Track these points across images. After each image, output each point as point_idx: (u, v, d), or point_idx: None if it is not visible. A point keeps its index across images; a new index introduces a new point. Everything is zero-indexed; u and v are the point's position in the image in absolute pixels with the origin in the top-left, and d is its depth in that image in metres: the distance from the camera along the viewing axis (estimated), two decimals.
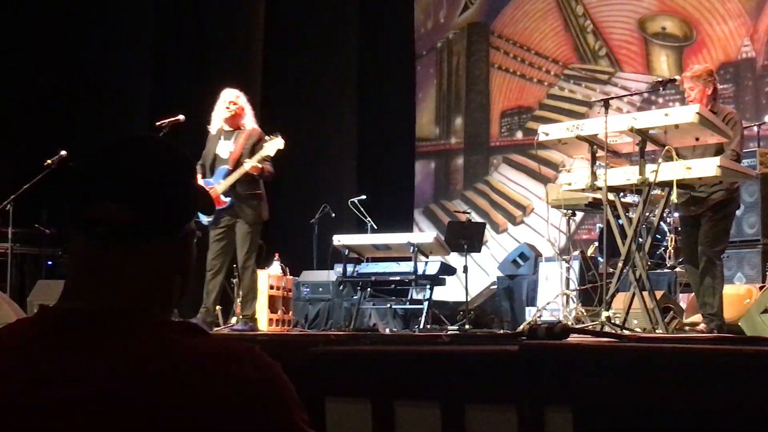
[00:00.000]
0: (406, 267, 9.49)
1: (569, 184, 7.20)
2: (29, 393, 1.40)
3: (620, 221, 7.04)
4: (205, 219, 7.42)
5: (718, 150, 6.77)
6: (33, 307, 9.14)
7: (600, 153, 6.77)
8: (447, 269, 9.70)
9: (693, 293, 7.53)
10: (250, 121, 7.98)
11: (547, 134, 7.07)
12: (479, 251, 11.09)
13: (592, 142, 6.83)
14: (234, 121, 7.90)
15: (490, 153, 14.90)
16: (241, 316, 8.10)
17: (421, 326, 9.27)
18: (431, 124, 15.55)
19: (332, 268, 10.72)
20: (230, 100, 7.90)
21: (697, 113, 6.28)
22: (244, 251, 7.82)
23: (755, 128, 10.14)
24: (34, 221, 10.92)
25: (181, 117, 8.04)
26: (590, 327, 6.52)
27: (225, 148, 7.87)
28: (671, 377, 2.88)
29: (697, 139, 6.63)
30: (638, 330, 6.93)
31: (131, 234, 1.51)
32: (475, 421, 3.18)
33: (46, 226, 11.07)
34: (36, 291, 9.73)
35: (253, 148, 7.82)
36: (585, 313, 7.91)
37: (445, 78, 15.49)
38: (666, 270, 9.42)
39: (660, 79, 7.45)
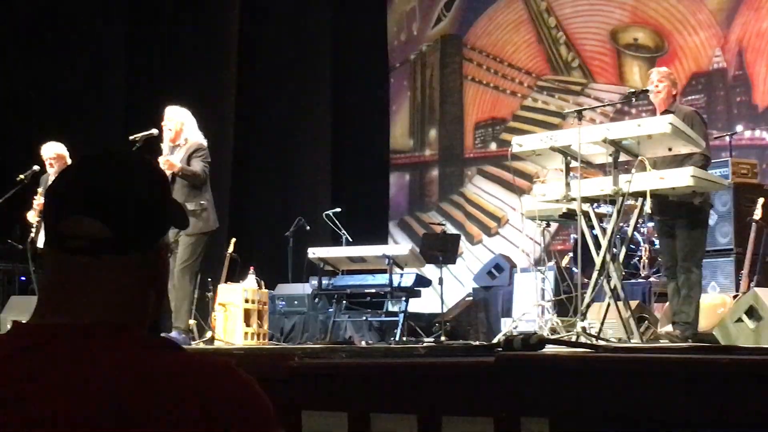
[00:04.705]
0: (381, 279, 9.49)
1: (543, 195, 7.22)
2: (3, 411, 1.39)
3: (594, 232, 7.06)
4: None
5: (688, 155, 6.82)
6: (6, 323, 9.09)
7: (574, 164, 6.80)
8: (422, 281, 9.70)
9: (667, 303, 7.56)
10: (191, 135, 7.99)
11: (521, 145, 7.09)
12: (454, 263, 11.11)
13: (565, 153, 6.85)
14: (175, 138, 7.94)
15: (465, 165, 14.92)
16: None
17: (397, 338, 9.26)
18: (405, 137, 15.56)
19: (307, 281, 10.72)
20: (165, 121, 7.96)
21: (670, 123, 6.32)
22: (182, 259, 7.69)
23: (727, 138, 10.19)
24: (6, 237, 10.85)
25: (155, 131, 8.05)
26: (566, 337, 6.53)
27: None
28: (646, 387, 2.89)
29: (670, 149, 6.66)
30: (613, 340, 6.94)
31: (106, 248, 1.51)
32: None
33: (18, 241, 10.99)
34: (9, 307, 9.67)
35: (189, 159, 7.85)
36: (560, 324, 7.92)
37: (419, 90, 15.51)
38: (640, 280, 9.45)
39: (633, 90, 7.48)
